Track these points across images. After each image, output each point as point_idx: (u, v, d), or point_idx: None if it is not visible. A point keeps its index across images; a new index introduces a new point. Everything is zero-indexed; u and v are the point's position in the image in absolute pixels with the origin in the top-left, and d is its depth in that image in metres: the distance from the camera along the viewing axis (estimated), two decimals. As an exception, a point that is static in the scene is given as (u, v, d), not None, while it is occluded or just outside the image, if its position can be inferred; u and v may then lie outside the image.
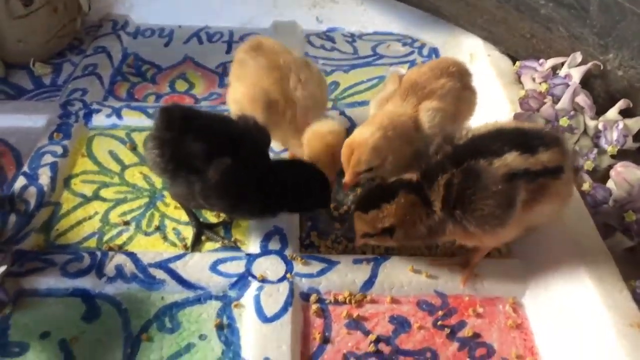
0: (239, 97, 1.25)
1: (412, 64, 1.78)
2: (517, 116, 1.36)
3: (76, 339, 1.02)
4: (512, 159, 0.97)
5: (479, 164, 0.97)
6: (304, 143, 1.18)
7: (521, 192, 0.98)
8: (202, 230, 1.21)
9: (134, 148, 1.42)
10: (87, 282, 1.09)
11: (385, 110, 1.18)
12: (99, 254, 1.13)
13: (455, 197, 0.98)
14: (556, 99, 1.34)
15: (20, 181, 1.27)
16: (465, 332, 1.07)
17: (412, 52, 1.84)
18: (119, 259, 1.13)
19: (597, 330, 0.98)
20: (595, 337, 0.98)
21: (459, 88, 1.21)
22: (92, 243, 1.19)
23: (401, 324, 1.08)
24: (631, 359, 0.91)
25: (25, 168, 1.30)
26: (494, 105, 1.48)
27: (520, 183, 0.97)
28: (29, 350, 1.00)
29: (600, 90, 1.38)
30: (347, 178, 1.11)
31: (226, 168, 1.04)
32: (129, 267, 1.11)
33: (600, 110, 1.33)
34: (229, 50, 1.80)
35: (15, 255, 1.11)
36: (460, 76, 1.23)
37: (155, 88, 1.64)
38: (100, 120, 1.47)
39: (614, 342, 0.94)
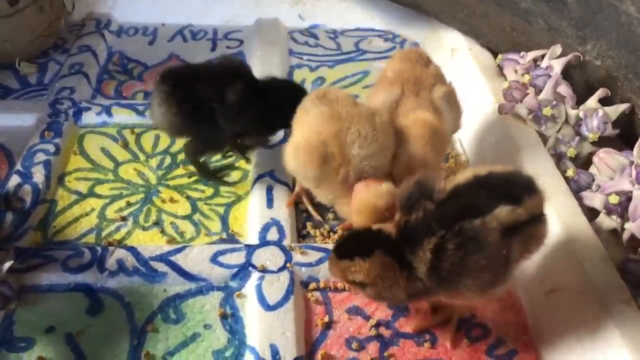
0: (295, 143, 1.14)
1: (395, 58, 1.82)
2: (500, 107, 1.40)
3: (82, 333, 1.03)
4: (504, 214, 0.89)
5: (474, 226, 0.87)
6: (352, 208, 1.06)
7: (515, 247, 0.92)
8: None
9: (126, 145, 1.42)
10: (88, 277, 1.10)
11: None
12: (99, 249, 1.14)
13: (451, 264, 0.88)
14: (538, 90, 1.39)
15: (14, 180, 1.27)
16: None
17: (394, 48, 1.88)
18: (120, 253, 1.14)
19: (587, 308, 1.02)
20: (586, 315, 1.02)
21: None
22: (90, 239, 1.20)
23: (400, 308, 1.11)
24: (621, 333, 0.95)
25: (19, 166, 1.30)
26: (477, 98, 1.52)
27: (514, 238, 0.91)
28: (35, 345, 1.00)
29: (580, 80, 1.43)
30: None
31: (241, 89, 1.23)
32: (130, 261, 1.13)
33: (580, 99, 1.38)
34: (213, 48, 1.82)
35: (15, 252, 1.11)
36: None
37: (143, 85, 1.65)
38: (90, 118, 1.48)
39: (606, 319, 0.98)
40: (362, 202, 1.00)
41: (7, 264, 1.03)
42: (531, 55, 1.48)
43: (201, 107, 1.22)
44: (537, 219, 0.95)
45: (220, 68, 1.29)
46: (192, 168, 1.36)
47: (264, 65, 1.68)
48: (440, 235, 0.87)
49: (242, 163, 1.40)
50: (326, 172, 1.09)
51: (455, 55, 1.70)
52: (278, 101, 1.28)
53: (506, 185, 0.93)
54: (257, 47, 1.77)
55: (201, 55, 1.77)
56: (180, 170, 1.37)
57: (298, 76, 1.72)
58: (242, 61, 1.38)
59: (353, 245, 0.94)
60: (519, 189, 0.93)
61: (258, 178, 1.33)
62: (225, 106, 1.22)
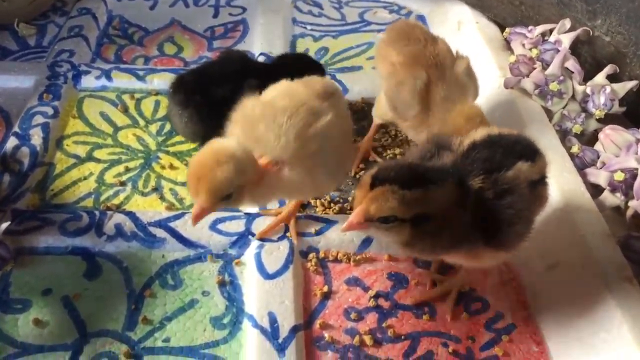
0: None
1: (400, 30, 1.79)
2: (507, 81, 1.38)
3: (79, 296, 1.02)
4: (525, 169, 0.90)
5: (508, 177, 0.89)
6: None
7: (537, 202, 0.95)
8: None
9: (125, 110, 1.40)
10: (86, 241, 1.09)
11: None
12: (97, 213, 1.13)
13: (491, 212, 0.88)
14: (546, 65, 1.36)
15: (12, 142, 1.26)
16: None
17: (398, 19, 1.84)
18: (118, 218, 1.12)
19: (588, 283, 1.02)
20: (587, 291, 1.02)
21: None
22: (88, 203, 1.19)
23: (399, 281, 1.11)
24: (622, 310, 0.95)
25: (16, 128, 1.28)
26: (483, 72, 1.50)
27: (537, 191, 0.94)
28: (32, 307, 1.00)
29: (588, 56, 1.41)
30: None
31: (256, 84, 1.15)
32: (129, 225, 1.11)
33: (587, 75, 1.36)
34: (216, 15, 1.79)
35: (12, 213, 1.10)
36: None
37: (144, 51, 1.62)
38: (89, 82, 1.45)
39: (606, 295, 0.98)
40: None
41: (4, 225, 1.02)
42: (539, 29, 1.46)
43: (220, 108, 1.16)
44: (544, 180, 0.97)
45: (227, 65, 1.29)
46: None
47: (266, 34, 1.65)
48: (482, 180, 0.88)
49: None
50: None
51: (462, 28, 1.67)
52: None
53: (517, 145, 0.94)
54: (260, 15, 1.74)
55: (202, 21, 1.74)
56: (180, 137, 1.35)
57: (301, 46, 1.69)
58: (244, 53, 1.37)
59: (420, 173, 0.85)
60: (528, 150, 0.94)
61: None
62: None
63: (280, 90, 1.01)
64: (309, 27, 1.78)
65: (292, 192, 1.05)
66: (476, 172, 0.89)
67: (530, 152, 0.94)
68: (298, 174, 0.95)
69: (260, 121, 0.94)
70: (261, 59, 1.52)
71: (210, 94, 1.23)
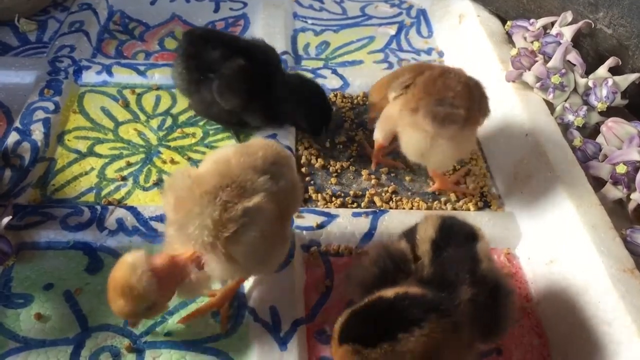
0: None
1: (401, 25, 1.78)
2: (508, 75, 1.38)
3: (80, 290, 1.02)
4: (484, 247, 0.90)
5: (485, 268, 0.87)
6: None
7: None
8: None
9: (126, 105, 1.40)
10: (88, 236, 1.09)
11: None
12: (98, 207, 1.13)
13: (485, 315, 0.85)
14: (547, 58, 1.36)
15: (13, 137, 1.25)
16: (463, 281, 1.10)
17: (400, 13, 1.84)
18: (120, 212, 1.12)
19: (591, 276, 1.01)
20: (590, 283, 1.01)
21: None
22: (90, 198, 1.18)
23: (401, 274, 1.10)
24: (625, 302, 0.94)
25: (17, 124, 1.28)
26: (484, 66, 1.50)
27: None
28: (33, 301, 1.00)
29: (590, 49, 1.41)
30: None
31: (239, 66, 1.23)
32: (130, 220, 1.11)
33: (589, 68, 1.35)
34: (216, 9, 1.78)
35: (13, 208, 1.10)
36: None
37: (144, 46, 1.62)
38: (90, 77, 1.45)
39: (608, 288, 0.97)
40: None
41: (6, 220, 1.02)
42: (541, 22, 1.45)
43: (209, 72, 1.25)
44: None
45: (241, 42, 1.32)
46: (189, 130, 1.35)
47: (267, 28, 1.65)
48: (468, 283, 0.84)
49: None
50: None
51: (463, 21, 1.66)
52: (289, 97, 1.29)
53: (465, 227, 0.93)
54: (261, 9, 1.73)
55: (203, 16, 1.74)
56: (180, 132, 1.35)
57: (302, 40, 1.69)
58: (268, 45, 1.34)
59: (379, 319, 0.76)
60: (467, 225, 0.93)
61: (260, 141, 1.31)
62: (220, 79, 1.24)
63: (214, 162, 0.91)
64: (310, 21, 1.77)
65: (220, 279, 0.97)
66: (461, 278, 0.83)
67: (468, 226, 0.92)
68: (219, 264, 0.85)
69: (185, 203, 0.85)
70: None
71: (205, 52, 1.26)
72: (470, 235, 0.91)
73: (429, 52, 1.69)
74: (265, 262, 0.92)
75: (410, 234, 0.92)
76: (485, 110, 1.17)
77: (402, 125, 1.14)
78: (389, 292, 0.78)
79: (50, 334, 0.96)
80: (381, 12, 1.84)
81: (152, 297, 0.83)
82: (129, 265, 0.83)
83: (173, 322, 1.00)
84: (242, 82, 1.24)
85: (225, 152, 0.92)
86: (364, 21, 1.79)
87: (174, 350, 0.96)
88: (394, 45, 1.70)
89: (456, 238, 0.89)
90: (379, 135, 1.22)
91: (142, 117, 1.38)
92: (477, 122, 1.15)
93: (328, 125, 1.34)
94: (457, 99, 1.09)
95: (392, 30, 1.76)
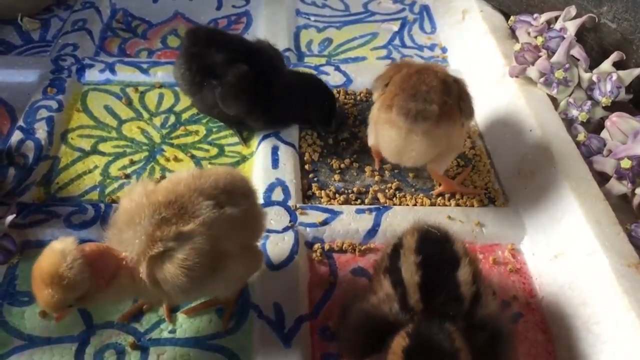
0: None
1: (404, 21, 1.78)
2: (512, 70, 1.37)
3: (85, 288, 1.02)
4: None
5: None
6: None
7: None
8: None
9: (129, 103, 1.40)
10: (92, 234, 1.09)
11: None
12: (102, 205, 1.13)
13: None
14: (551, 52, 1.35)
15: (17, 135, 1.26)
16: (467, 277, 1.10)
17: (403, 10, 1.83)
18: (123, 210, 1.13)
19: (595, 271, 1.01)
20: (594, 278, 1.01)
21: None
22: (94, 196, 1.19)
23: (405, 270, 1.10)
24: (629, 297, 0.94)
25: (21, 122, 1.29)
26: (488, 61, 1.49)
27: None
28: (38, 299, 1.00)
29: (594, 44, 1.40)
30: None
31: (242, 73, 1.23)
32: (134, 218, 1.11)
33: (593, 63, 1.35)
34: (219, 7, 1.78)
35: (17, 207, 1.10)
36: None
37: (147, 44, 1.62)
38: (93, 75, 1.45)
39: (613, 282, 0.97)
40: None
41: (10, 218, 1.02)
42: (544, 16, 1.44)
43: (211, 75, 1.26)
44: None
45: (244, 44, 1.32)
46: (192, 128, 1.35)
47: (270, 25, 1.65)
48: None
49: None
50: None
51: (466, 17, 1.66)
52: (293, 95, 1.30)
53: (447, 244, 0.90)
54: (264, 6, 1.73)
55: (206, 13, 1.74)
56: (183, 130, 1.35)
57: (305, 37, 1.69)
58: (272, 46, 1.35)
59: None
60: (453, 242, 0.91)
61: (263, 138, 1.31)
62: (223, 85, 1.25)
63: (169, 180, 0.88)
64: (312, 18, 1.77)
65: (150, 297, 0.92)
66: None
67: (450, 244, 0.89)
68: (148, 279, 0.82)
69: (131, 209, 0.84)
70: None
71: (209, 55, 1.26)
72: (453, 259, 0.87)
73: (432, 48, 1.68)
74: (195, 291, 0.87)
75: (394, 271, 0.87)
76: (468, 108, 1.15)
77: (379, 123, 1.14)
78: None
79: (55, 332, 0.96)
80: (384, 8, 1.84)
81: (84, 286, 0.78)
82: (58, 252, 0.77)
83: (177, 319, 1.00)
84: (246, 89, 1.24)
85: (183, 173, 0.89)
86: (366, 17, 1.79)
87: (178, 347, 0.96)
88: (397, 42, 1.69)
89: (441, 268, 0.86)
90: (371, 140, 1.22)
91: (145, 115, 1.38)
92: (454, 118, 1.11)
93: (335, 114, 1.34)
94: (431, 94, 1.07)
95: (395, 27, 1.76)
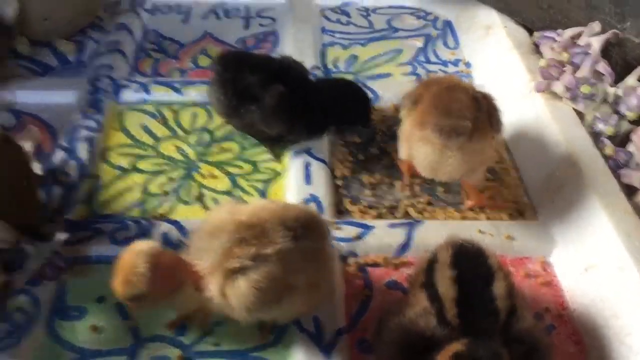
0: None
1: (428, 37, 1.82)
2: (537, 85, 1.40)
3: (131, 303, 1.06)
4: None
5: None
6: None
7: None
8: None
9: (165, 122, 1.45)
10: (135, 250, 1.13)
11: None
12: (144, 222, 1.18)
13: None
14: (576, 68, 1.38)
15: (59, 155, 1.30)
16: (499, 290, 1.13)
17: (426, 25, 1.87)
18: (164, 226, 1.17)
19: (626, 284, 1.03)
20: (625, 291, 1.03)
21: None
22: (135, 212, 1.23)
23: (438, 283, 1.13)
24: (661, 309, 0.97)
25: (63, 142, 1.33)
26: (512, 76, 1.52)
27: None
28: (87, 313, 1.04)
29: (618, 58, 1.42)
30: None
31: (280, 94, 1.25)
32: (175, 234, 1.16)
33: (618, 78, 1.37)
34: (247, 26, 1.83)
35: (64, 224, 1.15)
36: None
37: (179, 64, 1.67)
38: (129, 95, 1.50)
39: (644, 295, 0.99)
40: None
41: (60, 236, 1.06)
42: (569, 32, 1.47)
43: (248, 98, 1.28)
44: None
45: (273, 62, 1.34)
46: (227, 145, 1.40)
47: (297, 43, 1.69)
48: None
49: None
50: None
51: (490, 32, 1.69)
52: (327, 101, 1.32)
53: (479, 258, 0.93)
54: (291, 25, 1.77)
55: (234, 33, 1.78)
56: (218, 147, 1.39)
57: (331, 54, 1.73)
58: (296, 61, 1.37)
59: None
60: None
61: (295, 155, 1.35)
62: (262, 109, 1.27)
63: (254, 206, 0.94)
64: (337, 35, 1.81)
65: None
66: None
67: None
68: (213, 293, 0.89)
69: (217, 227, 0.90)
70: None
71: (243, 79, 1.27)
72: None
73: (456, 63, 1.71)
74: (258, 312, 0.91)
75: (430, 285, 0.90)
76: (497, 122, 1.18)
77: (413, 141, 1.18)
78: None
79: (105, 345, 1.00)
80: (407, 25, 1.88)
81: (142, 286, 0.84)
82: (136, 251, 0.86)
83: (220, 332, 1.03)
84: (286, 109, 1.27)
85: (267, 202, 0.98)
86: (390, 34, 1.83)
87: (223, 359, 1.00)
88: (421, 58, 1.73)
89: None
90: (402, 154, 1.25)
91: (180, 133, 1.43)
92: (485, 133, 1.15)
93: (371, 107, 1.40)
94: (463, 111, 1.11)
95: (419, 43, 1.79)
